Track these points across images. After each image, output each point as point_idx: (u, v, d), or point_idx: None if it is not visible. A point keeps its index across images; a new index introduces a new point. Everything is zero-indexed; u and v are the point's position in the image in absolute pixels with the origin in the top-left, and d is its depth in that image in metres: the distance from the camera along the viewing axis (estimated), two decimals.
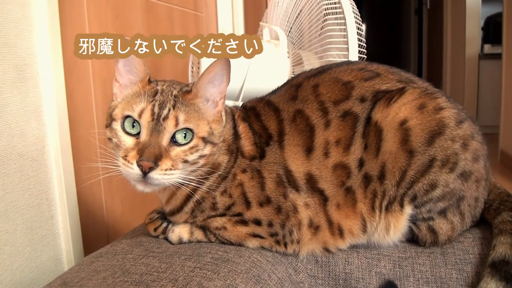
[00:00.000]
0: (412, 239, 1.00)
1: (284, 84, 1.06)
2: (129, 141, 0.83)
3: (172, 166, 0.81)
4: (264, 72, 1.54)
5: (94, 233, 1.24)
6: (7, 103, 0.93)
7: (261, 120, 0.99)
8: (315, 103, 0.97)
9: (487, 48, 4.34)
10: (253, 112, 1.01)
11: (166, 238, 0.98)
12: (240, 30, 2.33)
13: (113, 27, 1.39)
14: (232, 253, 0.90)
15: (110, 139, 0.86)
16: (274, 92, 1.05)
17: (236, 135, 0.97)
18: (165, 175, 0.81)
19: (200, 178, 0.90)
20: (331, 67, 1.03)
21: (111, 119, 0.86)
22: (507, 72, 3.48)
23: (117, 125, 0.84)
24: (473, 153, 0.94)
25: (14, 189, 0.95)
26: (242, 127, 0.98)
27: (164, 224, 0.99)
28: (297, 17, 1.55)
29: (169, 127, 0.81)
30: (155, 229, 0.99)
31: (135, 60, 0.88)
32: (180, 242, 0.96)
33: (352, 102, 0.96)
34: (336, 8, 1.49)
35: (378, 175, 0.94)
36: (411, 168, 0.92)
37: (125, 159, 0.81)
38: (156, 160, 0.79)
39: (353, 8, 1.49)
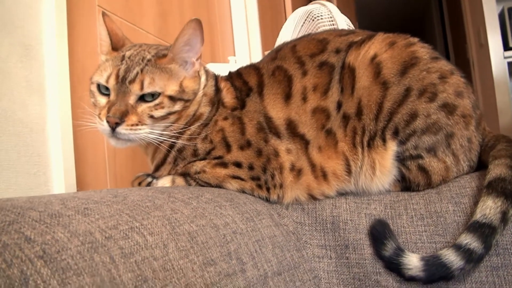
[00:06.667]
0: (406, 187, 0.94)
1: (268, 53, 1.11)
2: (103, 101, 0.90)
3: (139, 121, 0.86)
4: None
5: None
6: (11, 72, 1.01)
7: (242, 77, 1.04)
8: (293, 58, 1.01)
9: None
10: (236, 73, 1.06)
11: None
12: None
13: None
14: (208, 189, 0.88)
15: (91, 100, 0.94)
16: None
17: (217, 90, 1.01)
18: (131, 130, 0.86)
19: (179, 131, 0.93)
20: (311, 33, 1.09)
21: (90, 82, 0.94)
22: None
23: (94, 88, 0.92)
24: (455, 87, 0.92)
25: (9, 151, 1.00)
26: (224, 84, 1.02)
27: (149, 179, 0.99)
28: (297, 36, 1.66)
29: (134, 90, 0.87)
30: (139, 184, 1.00)
31: (102, 30, 0.96)
32: None
33: (327, 54, 0.99)
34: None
35: (355, 112, 0.93)
36: (386, 99, 0.91)
37: (99, 117, 0.88)
38: (122, 116, 0.85)
39: (347, 26, 1.59)
